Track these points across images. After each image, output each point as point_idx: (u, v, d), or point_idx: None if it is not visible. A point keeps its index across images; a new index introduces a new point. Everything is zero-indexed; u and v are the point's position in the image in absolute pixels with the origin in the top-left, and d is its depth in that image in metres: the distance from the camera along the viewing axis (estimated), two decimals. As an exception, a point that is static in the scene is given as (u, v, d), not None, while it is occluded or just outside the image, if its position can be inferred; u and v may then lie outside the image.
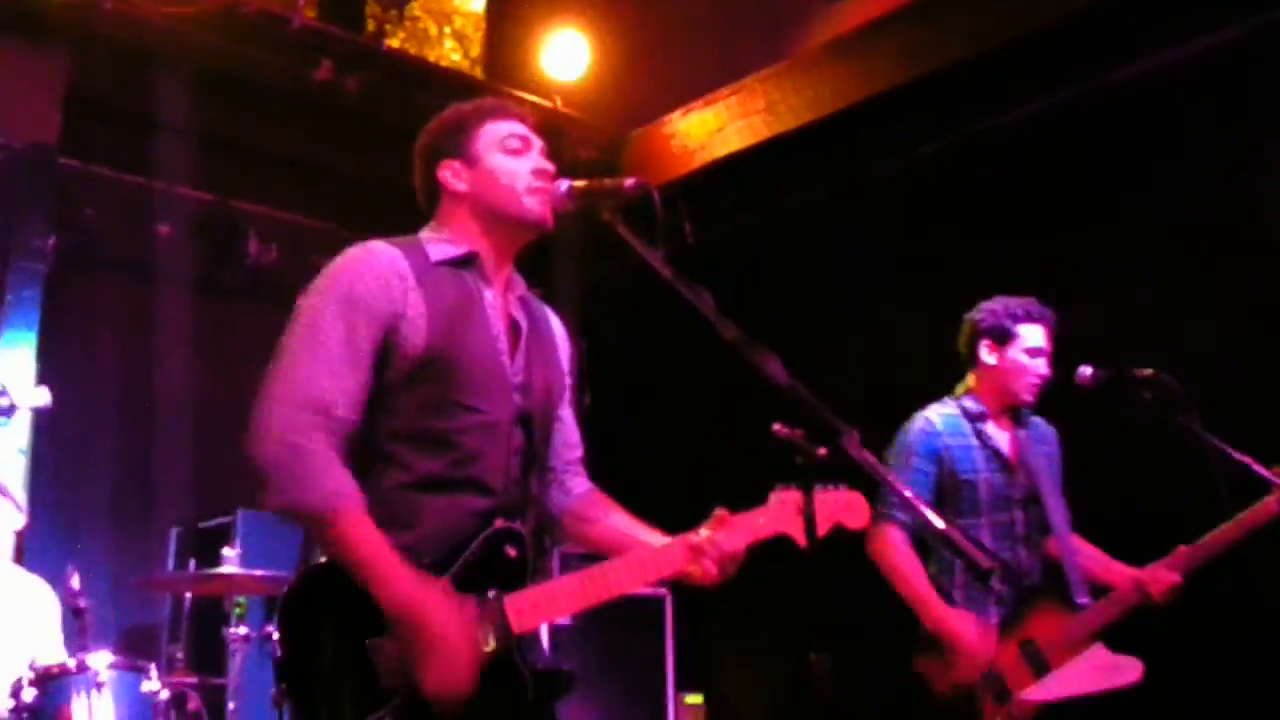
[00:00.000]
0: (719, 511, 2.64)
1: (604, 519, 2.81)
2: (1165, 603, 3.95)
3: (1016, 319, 4.12)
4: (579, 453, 2.90)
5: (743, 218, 6.68)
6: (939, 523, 2.13)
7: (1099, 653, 3.89)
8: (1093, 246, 5.46)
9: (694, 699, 6.38)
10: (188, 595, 5.62)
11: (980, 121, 5.95)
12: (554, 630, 5.74)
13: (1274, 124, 5.06)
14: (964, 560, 2.11)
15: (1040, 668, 3.85)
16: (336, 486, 2.38)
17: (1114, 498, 4.90)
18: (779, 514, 2.66)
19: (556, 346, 2.83)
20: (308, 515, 2.39)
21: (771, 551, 2.67)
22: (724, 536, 2.61)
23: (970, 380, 4.21)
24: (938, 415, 4.14)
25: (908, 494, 2.16)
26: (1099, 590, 4.02)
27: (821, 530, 2.60)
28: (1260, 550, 3.96)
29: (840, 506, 2.70)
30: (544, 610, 2.52)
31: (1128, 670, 3.84)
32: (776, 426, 2.29)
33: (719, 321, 2.34)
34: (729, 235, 6.28)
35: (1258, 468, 3.85)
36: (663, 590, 6.22)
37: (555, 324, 2.88)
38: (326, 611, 2.40)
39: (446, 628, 2.34)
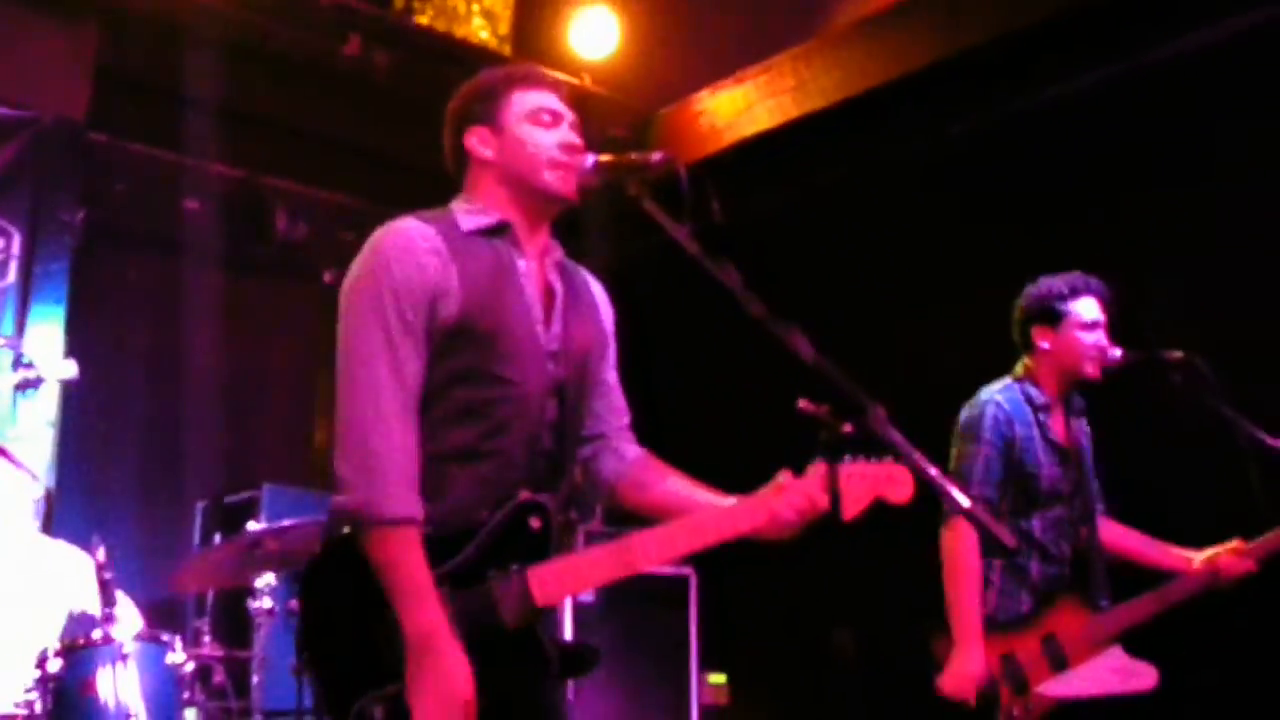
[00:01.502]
0: (784, 474, 2.58)
1: (661, 483, 2.77)
2: (1231, 587, 3.91)
3: (1063, 297, 4.03)
4: (627, 418, 2.87)
5: (771, 196, 6.65)
6: (963, 500, 2.11)
7: (1116, 655, 3.86)
8: (1123, 228, 5.40)
9: (718, 678, 6.38)
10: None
11: (1011, 102, 5.90)
12: (577, 608, 5.75)
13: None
14: (987, 537, 2.09)
15: (1059, 663, 3.82)
16: (402, 508, 2.38)
17: (1143, 482, 4.86)
18: (814, 486, 2.55)
19: (598, 309, 2.81)
20: (369, 520, 2.39)
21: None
22: (791, 496, 2.55)
23: (1029, 362, 4.11)
24: (1005, 400, 4.02)
25: (933, 471, 2.14)
26: (1136, 580, 3.97)
27: (860, 505, 2.55)
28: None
29: (881, 479, 2.58)
30: (570, 582, 2.50)
31: (1143, 676, 3.81)
32: (802, 402, 2.27)
33: (745, 297, 2.32)
34: (757, 214, 6.24)
35: (1288, 452, 3.81)
36: (687, 569, 6.22)
37: (595, 287, 2.85)
38: (349, 582, 2.41)
39: (456, 675, 2.32)
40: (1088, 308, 4.02)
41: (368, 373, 2.44)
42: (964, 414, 4.06)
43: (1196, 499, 4.44)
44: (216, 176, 6.66)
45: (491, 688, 2.36)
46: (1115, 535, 4.16)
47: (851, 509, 2.54)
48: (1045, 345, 4.05)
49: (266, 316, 6.96)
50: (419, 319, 2.48)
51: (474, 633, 2.38)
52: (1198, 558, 4.02)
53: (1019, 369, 4.13)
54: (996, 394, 4.05)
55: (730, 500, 2.62)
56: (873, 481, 2.58)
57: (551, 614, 2.57)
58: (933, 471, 2.15)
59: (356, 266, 2.56)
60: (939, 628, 3.89)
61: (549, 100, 2.69)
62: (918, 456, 2.18)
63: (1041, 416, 4.02)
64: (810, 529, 2.58)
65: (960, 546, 3.86)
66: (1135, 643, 3.87)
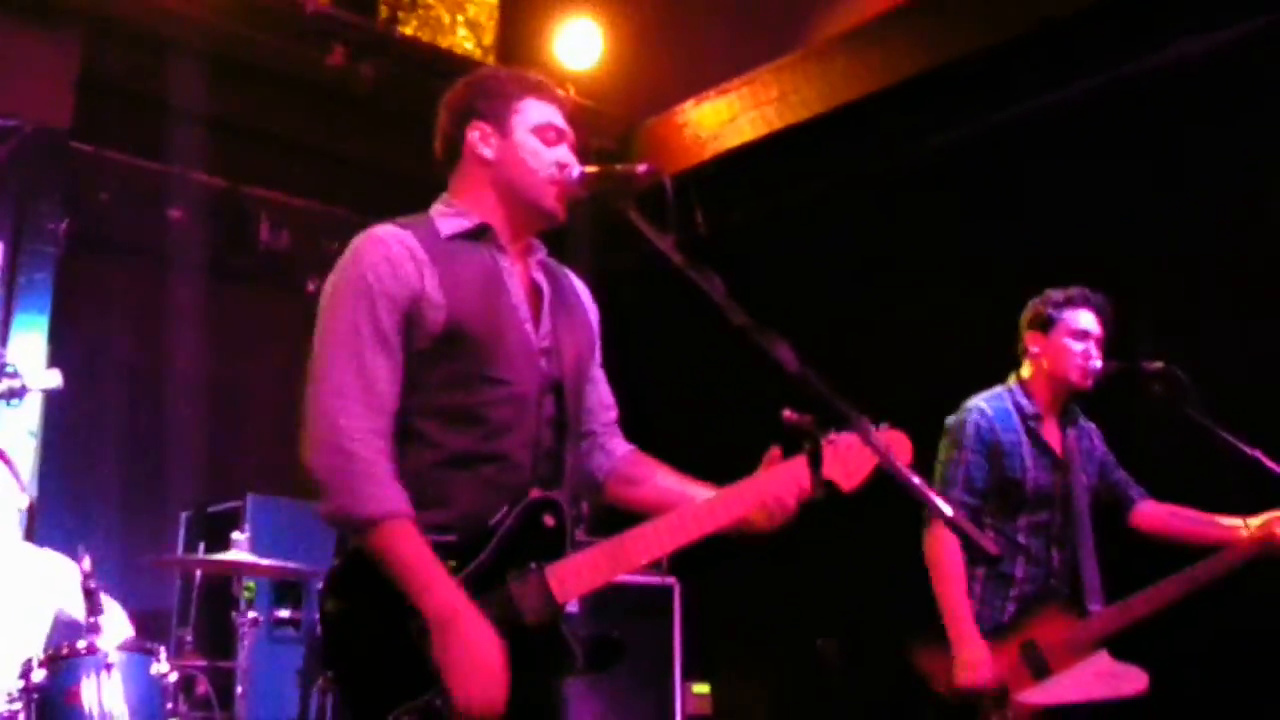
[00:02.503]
0: (774, 451, 2.58)
1: (651, 478, 2.79)
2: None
3: (1059, 305, 4.07)
4: (614, 414, 2.88)
5: (754, 208, 6.67)
6: (946, 509, 2.12)
7: (1102, 660, 3.84)
8: (1105, 240, 5.44)
9: (701, 688, 6.38)
10: (197, 578, 5.63)
11: (993, 114, 5.93)
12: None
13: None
14: (969, 546, 2.11)
15: (1040, 670, 3.82)
16: (385, 503, 2.38)
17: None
18: (829, 460, 2.53)
19: (583, 307, 2.81)
20: (357, 527, 2.39)
21: (778, 540, 2.64)
22: (785, 474, 2.54)
23: (1023, 371, 4.15)
24: (990, 407, 4.07)
25: (916, 480, 2.15)
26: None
27: (860, 475, 2.54)
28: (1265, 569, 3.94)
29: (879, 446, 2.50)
30: (588, 577, 2.48)
31: (1132, 679, 3.80)
32: (786, 412, 2.29)
33: (729, 307, 2.34)
34: (741, 225, 6.27)
35: (1268, 463, 3.84)
36: (670, 579, 6.22)
37: (580, 285, 2.86)
38: (369, 592, 2.39)
39: (485, 643, 2.33)
40: (1081, 318, 4.06)
41: (337, 372, 2.44)
42: (949, 421, 4.10)
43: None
44: (200, 186, 6.66)
45: (520, 687, 2.36)
46: (1160, 516, 4.16)
47: (852, 479, 2.54)
48: (1035, 350, 4.09)
49: (249, 326, 6.94)
50: (394, 325, 2.48)
51: (498, 634, 2.37)
52: (1248, 524, 3.95)
53: (1011, 378, 4.16)
54: (982, 401, 4.09)
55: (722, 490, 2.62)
56: (869, 451, 2.51)
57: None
58: (916, 480, 2.17)
59: (335, 271, 2.57)
60: (922, 638, 3.91)
61: (557, 117, 2.70)
62: (901, 465, 2.19)
63: (1031, 424, 4.05)
64: (797, 535, 2.59)
65: (942, 548, 3.89)
66: (1124, 647, 3.87)
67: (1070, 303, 4.07)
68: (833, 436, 2.53)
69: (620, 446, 2.86)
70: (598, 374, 2.86)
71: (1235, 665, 4.76)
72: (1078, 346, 4.03)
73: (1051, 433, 4.09)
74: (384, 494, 2.39)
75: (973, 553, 3.21)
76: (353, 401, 2.42)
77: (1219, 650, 4.68)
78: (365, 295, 2.48)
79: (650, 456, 2.84)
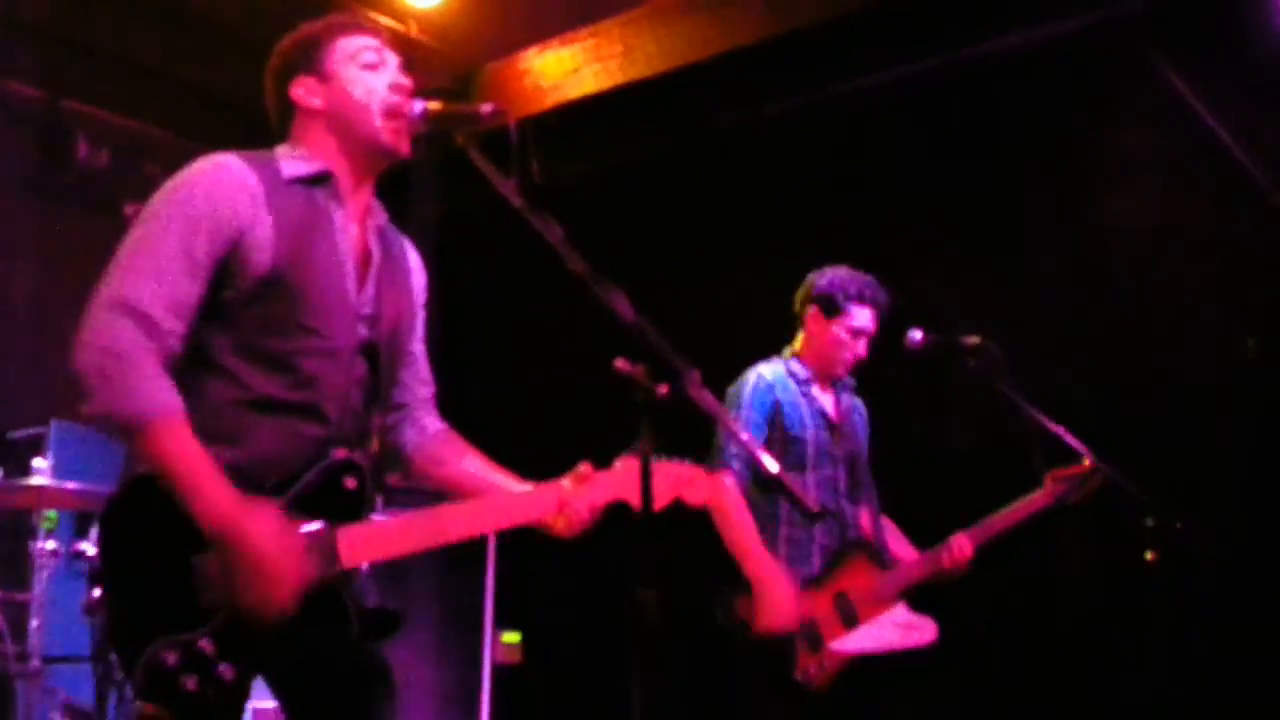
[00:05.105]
0: (583, 466, 2.62)
1: (458, 461, 2.79)
2: (960, 573, 4.14)
3: (849, 296, 4.21)
4: (431, 389, 2.87)
5: (592, 160, 6.66)
6: (773, 466, 2.17)
7: (900, 611, 4.09)
8: (930, 217, 5.61)
9: (512, 637, 6.40)
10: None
11: (830, 85, 6.04)
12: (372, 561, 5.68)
13: (1101, 119, 5.27)
14: (793, 503, 2.16)
15: (851, 620, 4.02)
16: (156, 396, 2.30)
17: (930, 460, 5.09)
18: (624, 480, 2.60)
19: (411, 279, 2.78)
20: (125, 425, 2.29)
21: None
22: (588, 489, 2.60)
23: (797, 343, 4.33)
24: (770, 372, 4.23)
25: (745, 436, 2.20)
26: None
27: (663, 502, 2.59)
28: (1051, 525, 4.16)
29: (682, 481, 2.65)
30: (378, 546, 2.47)
31: (925, 630, 4.07)
32: (619, 362, 2.30)
33: (568, 254, 2.34)
34: (577, 177, 6.26)
35: (1069, 439, 4.03)
36: (487, 527, 6.21)
37: (412, 256, 2.83)
38: (150, 523, 2.33)
39: (267, 545, 2.29)
40: (863, 316, 4.23)
41: (132, 281, 2.35)
42: (730, 388, 4.22)
43: (982, 476, 4.67)
44: (14, 96, 6.33)
45: (290, 640, 2.34)
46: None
47: (653, 504, 2.59)
48: (814, 329, 4.26)
49: (61, 246, 6.65)
50: (208, 255, 2.40)
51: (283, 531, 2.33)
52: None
53: (786, 350, 4.33)
54: (761, 367, 4.25)
55: (525, 486, 2.65)
56: (675, 481, 2.64)
57: (367, 578, 2.56)
58: (745, 437, 2.21)
59: (164, 187, 2.48)
60: (737, 586, 4.00)
61: (371, 43, 2.67)
62: (730, 419, 2.23)
63: (804, 388, 4.23)
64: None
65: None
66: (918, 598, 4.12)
67: (859, 298, 4.22)
68: (662, 461, 2.57)
69: (433, 424, 2.85)
70: (418, 348, 2.84)
71: (1018, 610, 5.02)
72: (850, 342, 4.22)
73: (825, 397, 4.28)
74: (154, 390, 2.30)
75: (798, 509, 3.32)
76: (130, 306, 2.32)
77: (1005, 598, 4.94)
78: (188, 217, 2.41)
79: (462, 439, 2.84)
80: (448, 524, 2.54)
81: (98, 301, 2.34)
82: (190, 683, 2.26)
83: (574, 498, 2.59)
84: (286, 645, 2.35)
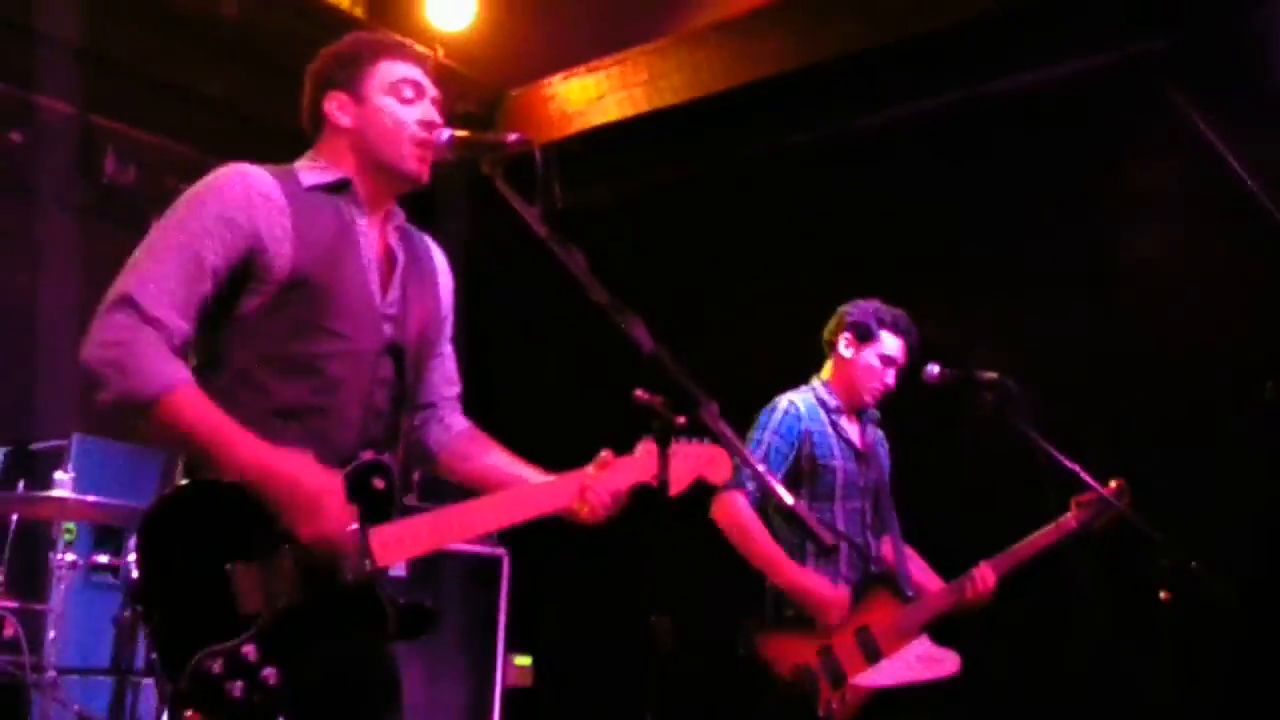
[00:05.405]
0: (604, 453, 2.66)
1: (483, 456, 2.82)
2: (983, 603, 4.13)
3: (883, 323, 4.26)
4: (458, 389, 2.90)
5: (616, 187, 6.70)
6: (787, 498, 2.18)
7: (923, 643, 4.08)
8: (949, 250, 5.62)
9: (523, 660, 6.41)
10: (13, 518, 5.45)
11: (853, 118, 6.07)
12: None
13: (1118, 155, 5.29)
14: (808, 536, 2.17)
15: (873, 654, 4.00)
16: (164, 370, 2.35)
17: (947, 493, 5.09)
18: (645, 463, 2.65)
19: (437, 280, 2.81)
20: (141, 404, 2.34)
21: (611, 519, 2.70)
22: (610, 476, 2.64)
23: (826, 371, 4.34)
24: (800, 400, 4.25)
25: (760, 468, 2.22)
26: None
27: (684, 483, 2.63)
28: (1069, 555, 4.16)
29: (703, 460, 2.70)
30: (410, 543, 2.51)
31: (947, 662, 4.05)
32: (638, 391, 2.32)
33: (590, 283, 2.37)
34: (599, 204, 6.29)
35: (1085, 476, 4.03)
36: (500, 549, 6.23)
37: (438, 256, 2.86)
38: (186, 534, 2.36)
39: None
40: (894, 345, 4.27)
41: (140, 274, 2.40)
42: (759, 416, 4.25)
43: (998, 510, 4.66)
44: (46, 110, 6.40)
45: (328, 642, 2.37)
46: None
47: (675, 486, 2.61)
48: (848, 354, 4.29)
49: (85, 258, 6.70)
50: (221, 256, 2.45)
51: (312, 588, 2.37)
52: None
53: (814, 379, 4.35)
54: (791, 395, 4.28)
55: (549, 477, 2.69)
56: (695, 461, 2.68)
57: (397, 578, 2.59)
58: (760, 468, 2.23)
59: (189, 191, 2.53)
60: (757, 624, 4.01)
61: (414, 73, 2.69)
62: (747, 452, 2.25)
63: (834, 417, 4.24)
64: (628, 515, 2.65)
65: (735, 511, 4.03)
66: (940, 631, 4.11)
67: (893, 326, 4.27)
68: (681, 444, 2.60)
69: (459, 422, 2.88)
70: (446, 349, 2.87)
71: (1036, 646, 5.01)
72: (880, 369, 4.25)
73: (851, 427, 4.30)
74: (163, 365, 2.35)
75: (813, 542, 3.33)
76: (143, 313, 2.36)
77: (1023, 633, 4.92)
78: (201, 220, 2.46)
79: (486, 435, 2.87)
80: (475, 518, 2.58)
81: (105, 300, 2.40)
82: (236, 689, 2.30)
83: (596, 483, 2.62)
84: (327, 645, 2.38)
